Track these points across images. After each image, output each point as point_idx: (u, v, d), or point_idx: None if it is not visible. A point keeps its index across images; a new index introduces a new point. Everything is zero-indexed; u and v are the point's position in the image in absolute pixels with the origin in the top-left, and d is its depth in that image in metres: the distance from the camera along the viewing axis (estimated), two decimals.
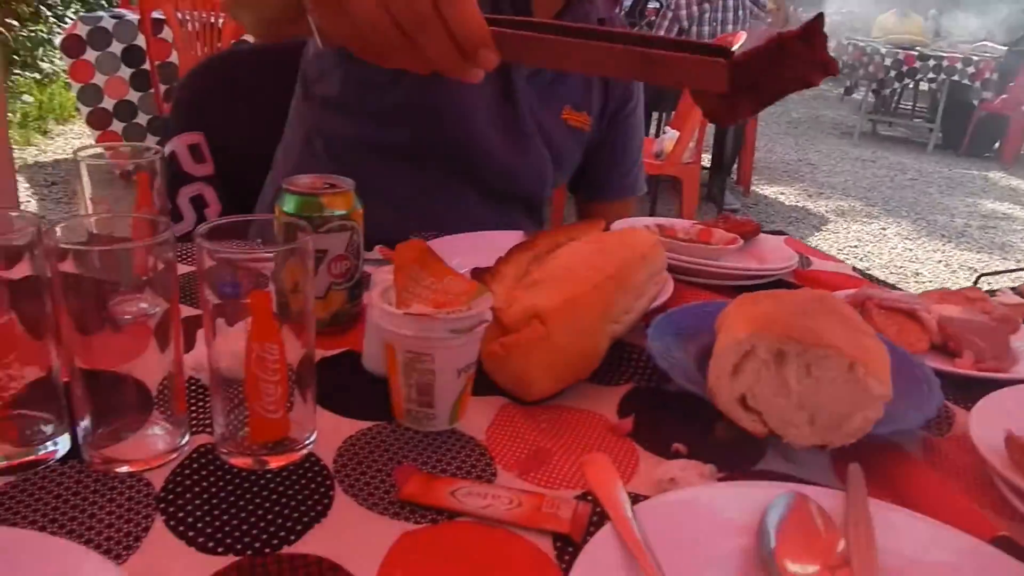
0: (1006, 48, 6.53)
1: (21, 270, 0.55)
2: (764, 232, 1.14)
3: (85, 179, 0.75)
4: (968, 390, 0.73)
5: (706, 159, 4.41)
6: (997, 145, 6.41)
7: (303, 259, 0.55)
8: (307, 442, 0.59)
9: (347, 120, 1.12)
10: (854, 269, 1.11)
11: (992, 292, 1.02)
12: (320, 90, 1.15)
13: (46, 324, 0.56)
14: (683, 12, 4.22)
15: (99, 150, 0.78)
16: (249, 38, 3.26)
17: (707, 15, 4.19)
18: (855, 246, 4.08)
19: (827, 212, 4.68)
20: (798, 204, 4.78)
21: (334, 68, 1.12)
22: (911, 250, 4.07)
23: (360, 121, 1.11)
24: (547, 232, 0.82)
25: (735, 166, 4.73)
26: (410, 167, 1.13)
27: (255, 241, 0.60)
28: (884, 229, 4.44)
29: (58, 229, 0.52)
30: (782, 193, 4.95)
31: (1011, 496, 0.56)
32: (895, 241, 4.22)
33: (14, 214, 0.56)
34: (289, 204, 0.73)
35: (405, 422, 0.63)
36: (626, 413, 0.67)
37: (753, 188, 4.86)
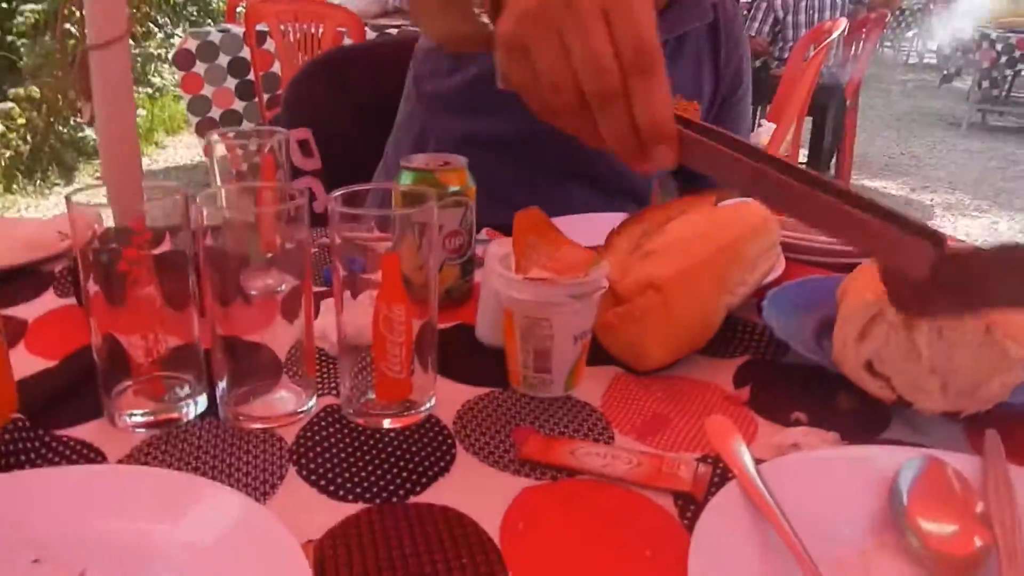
0: None
1: (162, 246, 0.59)
2: None
3: (216, 169, 0.79)
4: None
5: (804, 154, 4.28)
6: None
7: (426, 225, 0.57)
8: (427, 406, 0.61)
9: (460, 116, 1.15)
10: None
11: None
12: (431, 87, 1.18)
13: (187, 295, 0.60)
14: (778, 1, 4.12)
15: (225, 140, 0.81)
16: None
17: (803, 3, 4.07)
18: (963, 241, 3.88)
19: (933, 206, 4.46)
20: (901, 198, 4.58)
21: (450, 68, 1.14)
22: None
23: (473, 117, 1.13)
24: (658, 206, 0.82)
25: (833, 160, 4.57)
26: (522, 161, 1.14)
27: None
28: (995, 223, 4.20)
29: (203, 207, 0.56)
30: (884, 187, 4.75)
31: None
32: (1007, 236, 3.98)
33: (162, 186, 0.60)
34: (406, 180, 0.76)
35: (522, 388, 0.64)
36: (742, 384, 0.66)
37: (853, 182, 4.68)
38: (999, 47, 5.90)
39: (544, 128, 1.15)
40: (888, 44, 9.64)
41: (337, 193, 0.57)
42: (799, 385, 0.65)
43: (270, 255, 0.59)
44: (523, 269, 0.62)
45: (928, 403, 0.56)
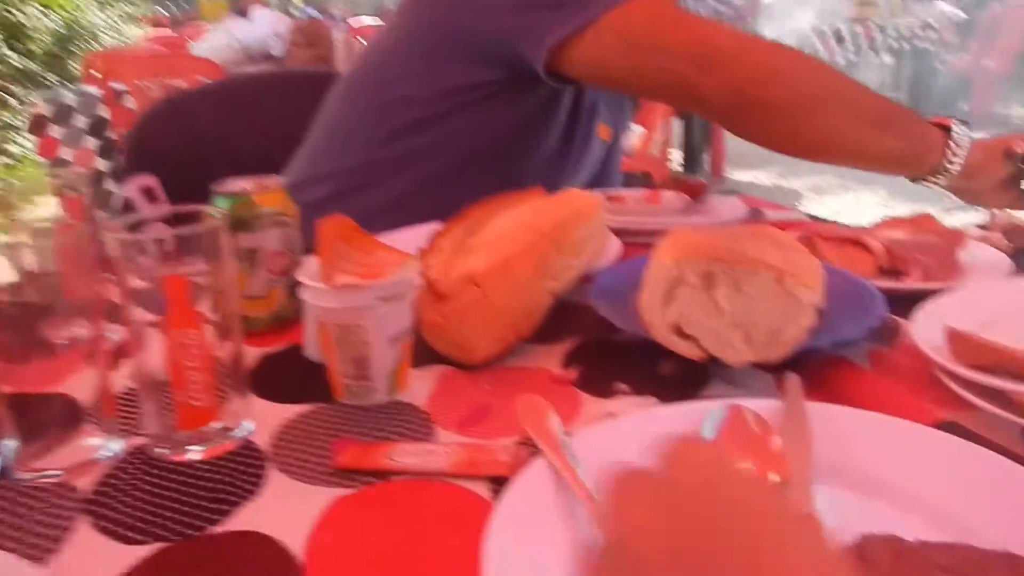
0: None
1: None
2: None
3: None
4: (917, 305, 0.72)
5: (678, 154, 4.43)
6: (966, 108, 6.45)
7: (213, 244, 0.55)
8: (242, 432, 0.58)
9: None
10: (809, 216, 1.11)
11: None
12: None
13: None
14: None
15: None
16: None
17: None
18: (833, 220, 4.08)
19: (802, 190, 4.68)
20: (772, 186, 4.79)
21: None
22: (889, 215, 4.06)
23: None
24: (483, 202, 0.81)
25: (706, 155, 4.75)
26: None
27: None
28: (859, 199, 4.45)
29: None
30: (756, 178, 4.97)
31: (955, 386, 0.55)
32: (873, 208, 4.22)
33: None
34: (222, 205, 0.73)
35: (345, 399, 0.62)
36: (571, 366, 0.66)
37: (727, 175, 4.87)
38: (846, 37, 6.28)
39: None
40: None
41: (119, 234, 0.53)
42: (625, 361, 0.65)
43: (74, 302, 0.55)
44: (329, 278, 0.60)
45: (735, 356, 0.58)
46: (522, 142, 1.09)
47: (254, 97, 1.54)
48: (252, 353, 0.72)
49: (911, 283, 0.78)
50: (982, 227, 1.03)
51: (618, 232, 0.93)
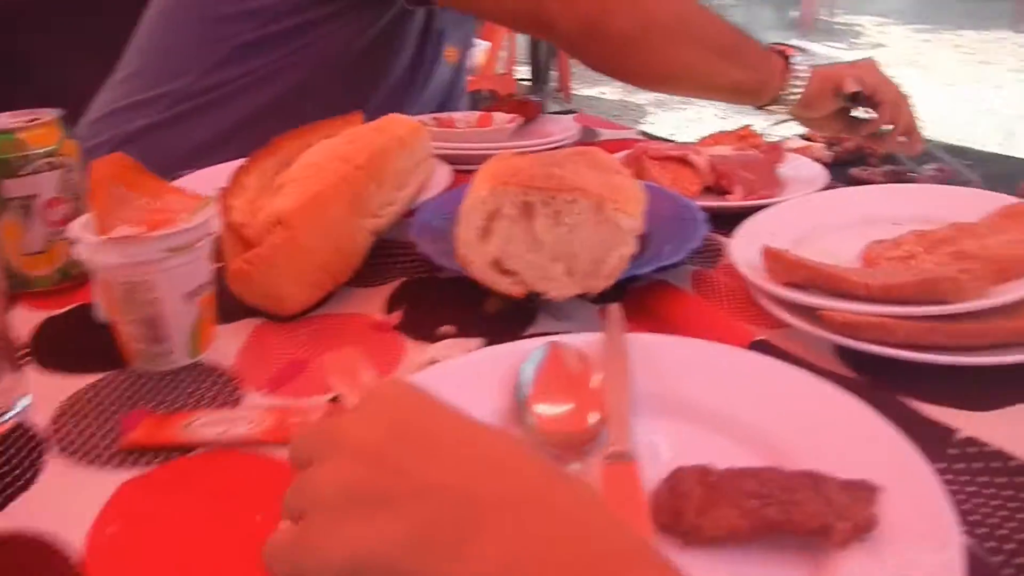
0: None
1: None
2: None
3: None
4: (741, 221, 0.73)
5: (526, 70, 4.37)
6: (796, 14, 6.75)
7: None
8: (14, 411, 0.51)
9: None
10: (641, 133, 1.11)
11: None
12: None
13: None
14: None
15: None
16: None
17: None
18: (673, 134, 4.21)
19: (646, 104, 4.78)
20: (618, 100, 4.86)
21: None
22: (726, 129, 4.23)
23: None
24: (296, 131, 0.74)
25: (553, 71, 4.73)
26: None
27: None
28: (700, 111, 4.59)
29: None
30: (603, 92, 5.02)
31: (767, 303, 0.56)
32: (712, 122, 4.37)
33: None
34: None
35: (139, 365, 0.56)
36: (395, 309, 0.62)
37: (574, 92, 4.89)
38: None
39: None
40: None
41: None
42: (452, 300, 0.62)
43: None
44: (106, 228, 0.53)
45: (558, 290, 0.56)
46: (371, 65, 1.05)
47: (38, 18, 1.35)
48: (34, 317, 0.64)
49: (733, 200, 0.79)
50: (805, 137, 1.07)
51: (449, 159, 0.89)
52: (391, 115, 0.78)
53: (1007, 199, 0.67)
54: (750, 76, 0.90)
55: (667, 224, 0.66)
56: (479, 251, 0.56)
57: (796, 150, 1.34)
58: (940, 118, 4.05)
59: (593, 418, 0.43)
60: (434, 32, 1.11)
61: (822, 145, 1.03)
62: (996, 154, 1.41)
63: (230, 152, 0.86)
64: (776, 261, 0.58)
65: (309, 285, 0.61)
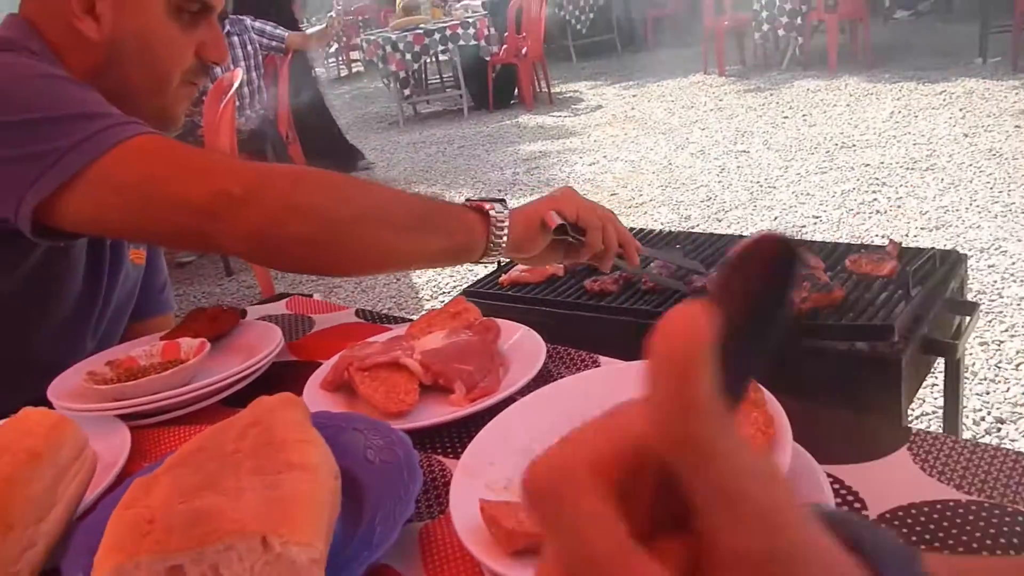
0: (487, 2, 7.29)
1: None
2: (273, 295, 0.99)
3: None
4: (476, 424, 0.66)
5: None
6: (516, 92, 7.14)
7: None
8: None
9: None
10: (357, 313, 1.02)
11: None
12: None
13: None
14: None
15: None
16: None
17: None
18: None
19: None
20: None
21: None
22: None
23: None
24: None
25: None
26: None
27: None
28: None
29: None
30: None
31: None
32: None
33: None
34: None
35: None
36: None
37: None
38: (401, 47, 6.55)
39: None
40: (321, 66, 10.16)
41: None
42: None
43: None
44: None
45: None
46: (30, 306, 0.93)
47: None
48: None
49: (457, 405, 0.71)
50: None
51: (126, 418, 0.74)
52: (17, 419, 0.62)
53: None
54: (453, 239, 0.86)
55: (378, 483, 0.57)
56: None
57: (526, 271, 1.32)
58: (667, 163, 4.42)
59: None
60: (106, 244, 0.98)
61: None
62: (708, 234, 1.49)
63: None
64: (497, 526, 0.50)
65: None
